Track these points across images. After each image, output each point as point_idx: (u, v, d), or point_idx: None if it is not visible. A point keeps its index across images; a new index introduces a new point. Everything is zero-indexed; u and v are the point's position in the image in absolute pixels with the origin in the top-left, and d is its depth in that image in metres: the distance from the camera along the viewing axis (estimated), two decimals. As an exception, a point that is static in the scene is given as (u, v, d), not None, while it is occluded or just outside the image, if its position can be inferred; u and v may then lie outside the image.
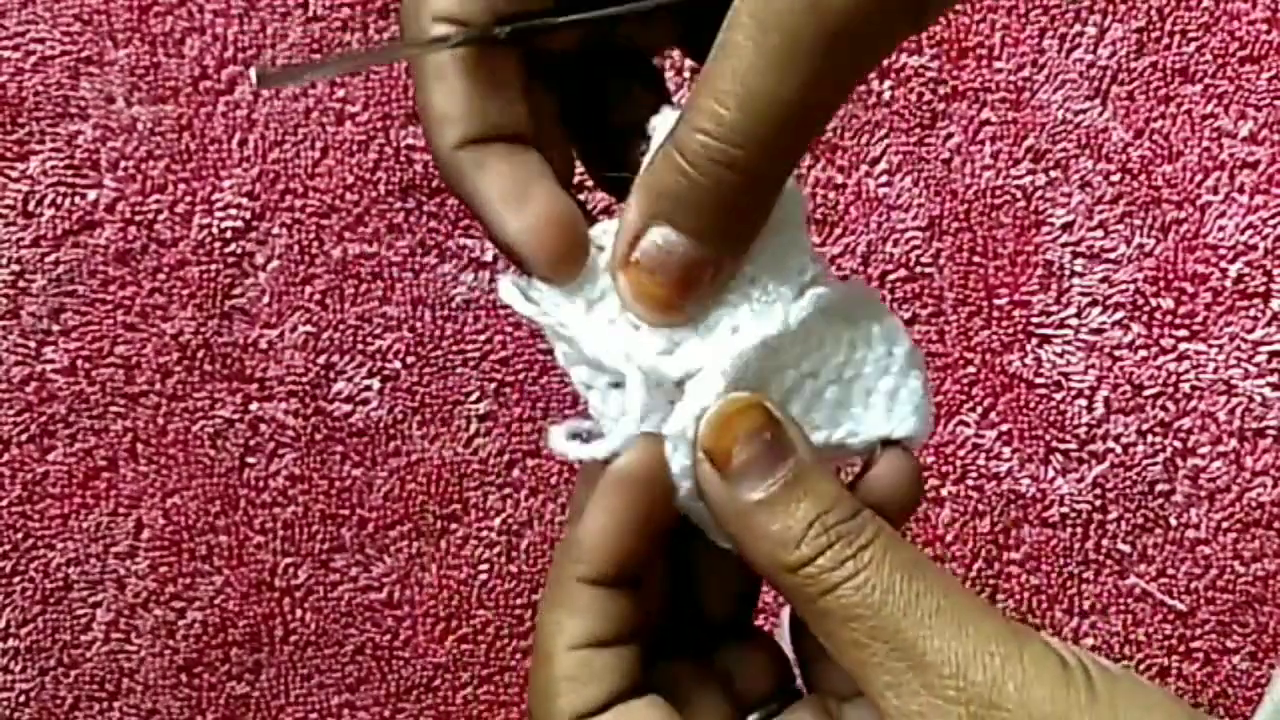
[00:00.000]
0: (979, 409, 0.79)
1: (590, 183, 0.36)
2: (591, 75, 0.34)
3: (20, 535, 0.79)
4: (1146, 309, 0.79)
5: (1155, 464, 0.79)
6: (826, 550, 0.30)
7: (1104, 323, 0.79)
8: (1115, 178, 0.80)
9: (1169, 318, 0.79)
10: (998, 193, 0.80)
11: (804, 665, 0.36)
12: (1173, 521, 0.79)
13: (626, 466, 0.32)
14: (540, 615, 0.32)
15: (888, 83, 0.80)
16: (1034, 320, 0.79)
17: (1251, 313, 0.79)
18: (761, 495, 0.30)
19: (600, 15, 0.32)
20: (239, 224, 0.80)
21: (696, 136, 0.29)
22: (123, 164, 0.80)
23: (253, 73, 0.30)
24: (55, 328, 0.80)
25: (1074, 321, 0.79)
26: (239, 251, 0.80)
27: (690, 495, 0.32)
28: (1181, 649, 0.79)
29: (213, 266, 0.80)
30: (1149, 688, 0.29)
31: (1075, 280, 0.80)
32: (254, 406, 0.79)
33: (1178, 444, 0.79)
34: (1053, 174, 0.80)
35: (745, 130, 0.29)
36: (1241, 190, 0.80)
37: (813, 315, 0.33)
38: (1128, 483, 0.79)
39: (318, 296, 0.80)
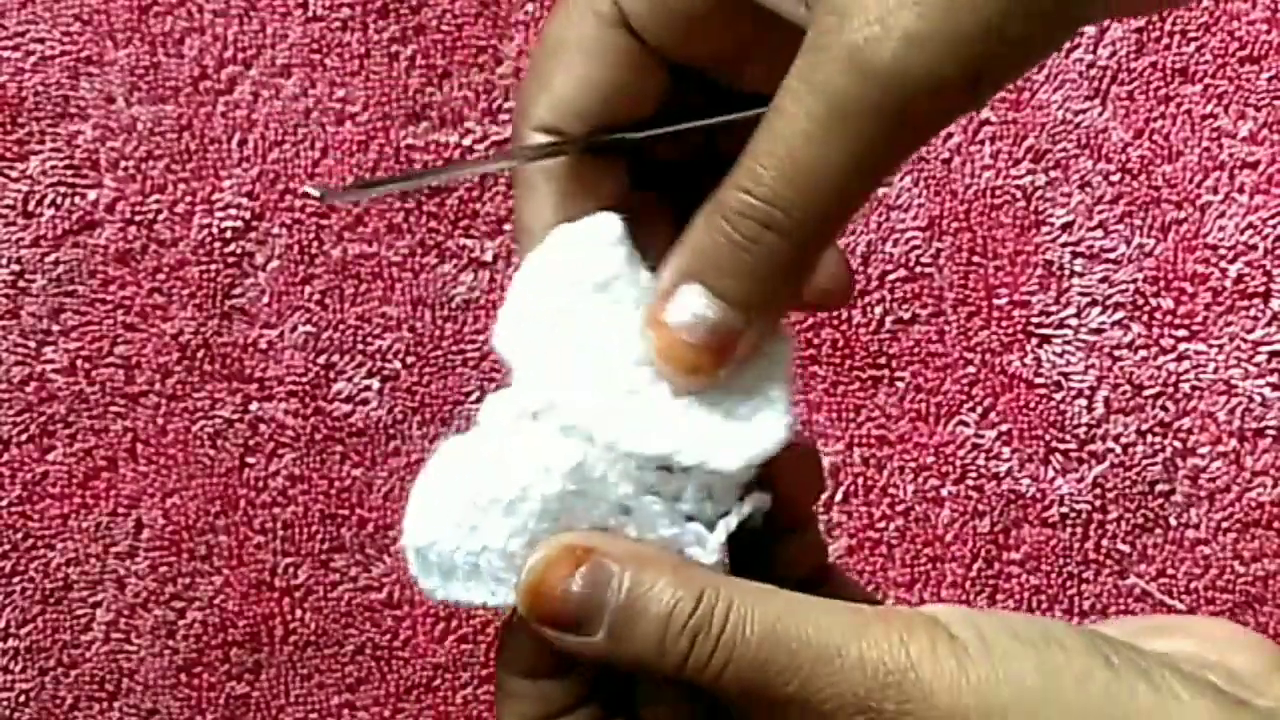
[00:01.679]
0: (979, 409, 0.79)
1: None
2: (702, 183, 0.34)
3: (20, 535, 0.79)
4: (1146, 309, 0.79)
5: (1155, 464, 0.79)
6: (691, 651, 0.30)
7: (1104, 323, 0.79)
8: (1115, 178, 0.80)
9: (1169, 318, 0.79)
10: (997, 193, 0.80)
11: None
12: (1173, 521, 0.79)
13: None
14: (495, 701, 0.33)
15: (888, 83, 0.80)
16: (1034, 320, 0.79)
17: (1251, 313, 0.79)
18: (604, 632, 0.30)
19: (695, 126, 0.32)
20: (239, 224, 0.80)
21: (737, 194, 0.29)
22: (123, 164, 0.80)
23: (313, 190, 0.30)
24: (55, 328, 0.80)
25: (1074, 321, 0.79)
26: (239, 251, 0.80)
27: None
28: (1181, 649, 0.79)
29: (213, 266, 0.80)
30: (1060, 640, 0.29)
31: (1075, 280, 0.80)
32: (254, 406, 0.79)
33: (1178, 444, 0.79)
34: (1053, 174, 0.80)
35: (787, 193, 0.28)
36: (1241, 190, 0.80)
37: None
38: (1128, 483, 0.79)
39: (318, 296, 0.80)
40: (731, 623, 0.29)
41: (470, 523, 0.32)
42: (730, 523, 0.32)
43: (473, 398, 0.79)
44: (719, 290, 0.30)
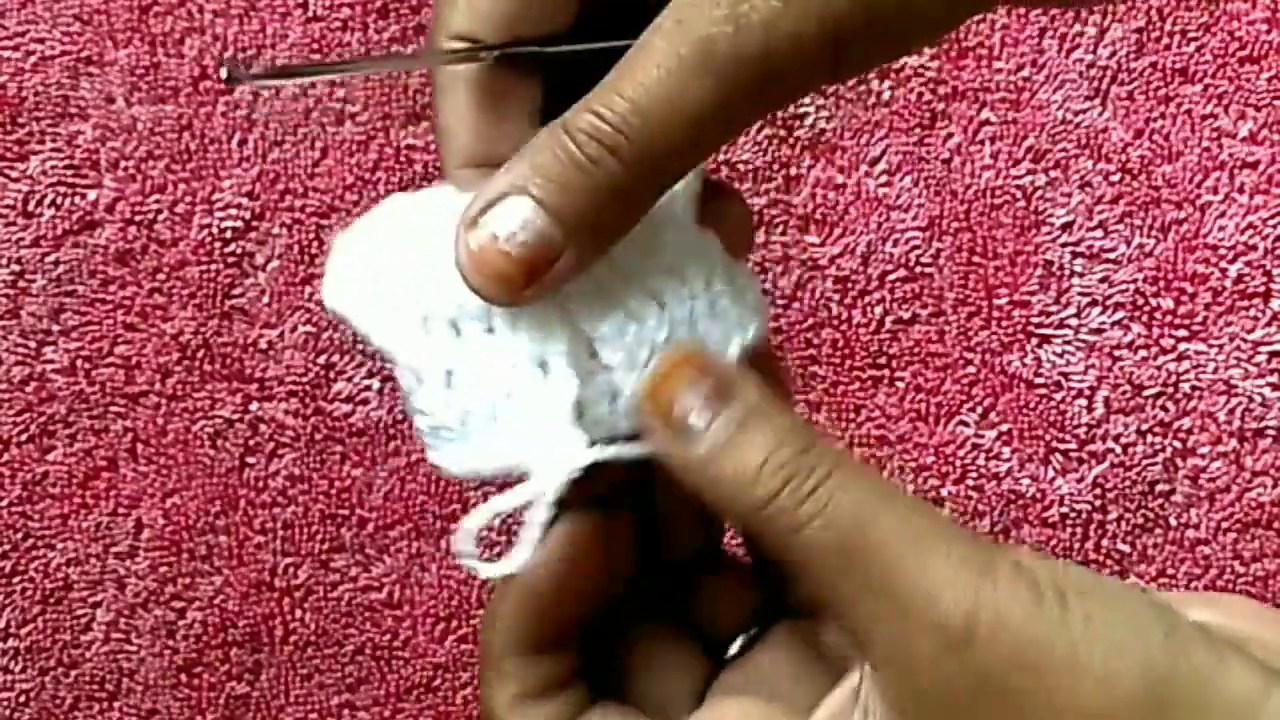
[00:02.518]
0: (979, 409, 0.79)
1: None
2: None
3: (20, 535, 0.79)
4: (1146, 309, 0.79)
5: (1155, 464, 0.79)
6: (784, 488, 0.29)
7: (1104, 323, 0.79)
8: (1115, 178, 0.80)
9: (1169, 318, 0.79)
10: (997, 193, 0.80)
11: (774, 586, 0.36)
12: (1173, 521, 0.79)
13: (529, 580, 0.33)
14: (480, 674, 0.33)
15: (887, 83, 0.80)
16: (1034, 320, 0.79)
17: (1251, 313, 0.79)
18: (709, 445, 0.30)
19: (603, 46, 0.32)
20: (239, 224, 0.80)
21: (587, 116, 0.29)
22: (123, 164, 0.80)
23: (224, 70, 0.30)
24: (55, 328, 0.80)
25: (1074, 321, 0.79)
26: (239, 251, 0.80)
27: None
28: (1181, 649, 0.79)
29: (213, 266, 0.80)
30: (1123, 597, 0.29)
31: (1075, 280, 0.80)
32: (254, 406, 0.79)
33: (1178, 444, 0.79)
34: (1053, 174, 0.80)
35: (636, 122, 0.29)
36: (1241, 190, 0.80)
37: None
38: (1128, 483, 0.79)
39: (318, 296, 0.80)
40: (834, 478, 0.29)
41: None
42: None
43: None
44: (548, 204, 0.30)
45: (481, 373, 0.32)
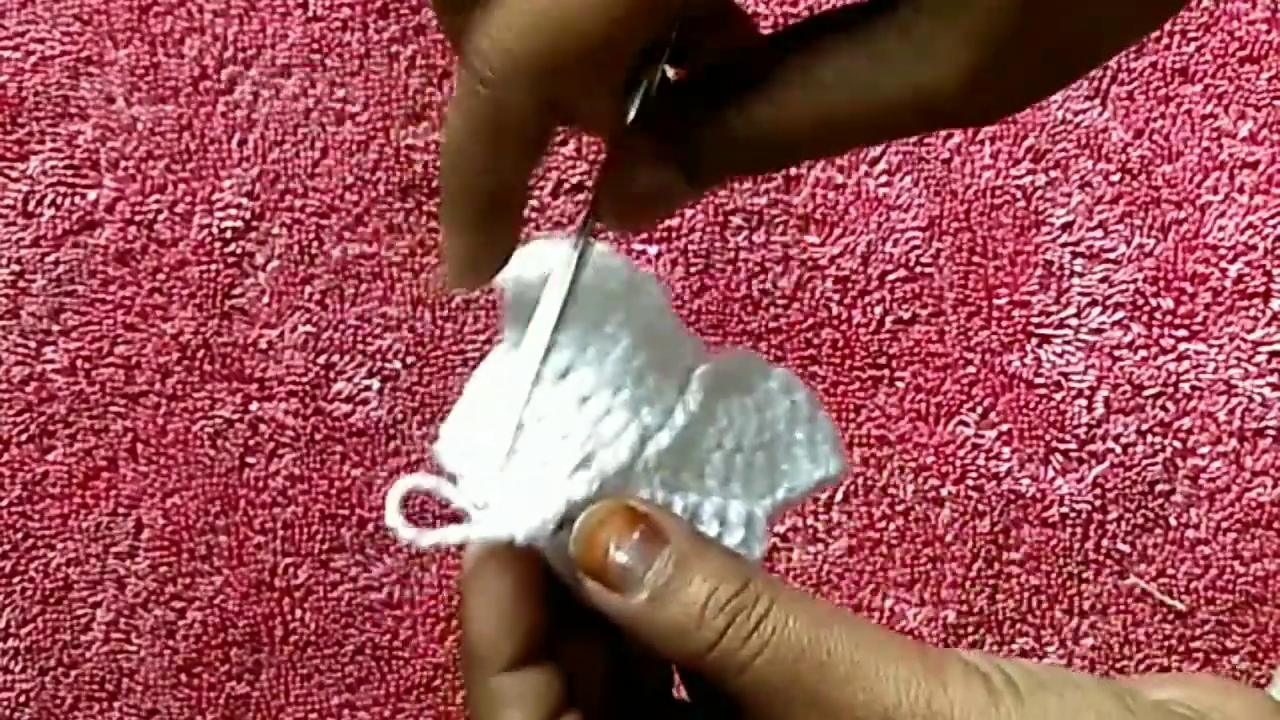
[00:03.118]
0: (979, 409, 0.79)
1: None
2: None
3: (20, 535, 0.79)
4: (1146, 309, 0.79)
5: (1155, 464, 0.79)
6: (727, 629, 0.30)
7: (1104, 323, 0.79)
8: (1115, 178, 0.80)
9: (1169, 318, 0.79)
10: (997, 193, 0.80)
11: None
12: (1173, 521, 0.79)
13: (476, 556, 0.33)
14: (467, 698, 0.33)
15: (888, 83, 0.80)
16: (1034, 320, 0.79)
17: (1251, 313, 0.79)
18: (647, 594, 0.30)
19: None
20: (239, 224, 0.80)
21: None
22: (123, 164, 0.80)
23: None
24: (55, 328, 0.80)
25: (1074, 321, 0.79)
26: (239, 251, 0.80)
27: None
28: (1181, 649, 0.79)
29: (213, 266, 0.80)
30: (1077, 683, 0.30)
31: (1075, 280, 0.80)
32: (254, 406, 0.79)
33: (1178, 444, 0.79)
34: (1053, 174, 0.80)
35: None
36: (1241, 190, 0.80)
37: (709, 395, 0.34)
38: (1128, 483, 0.79)
39: (318, 296, 0.80)
40: (775, 611, 0.30)
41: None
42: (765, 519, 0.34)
43: (473, 398, 0.79)
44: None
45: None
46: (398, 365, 0.79)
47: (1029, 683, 0.29)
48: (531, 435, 0.33)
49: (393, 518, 0.34)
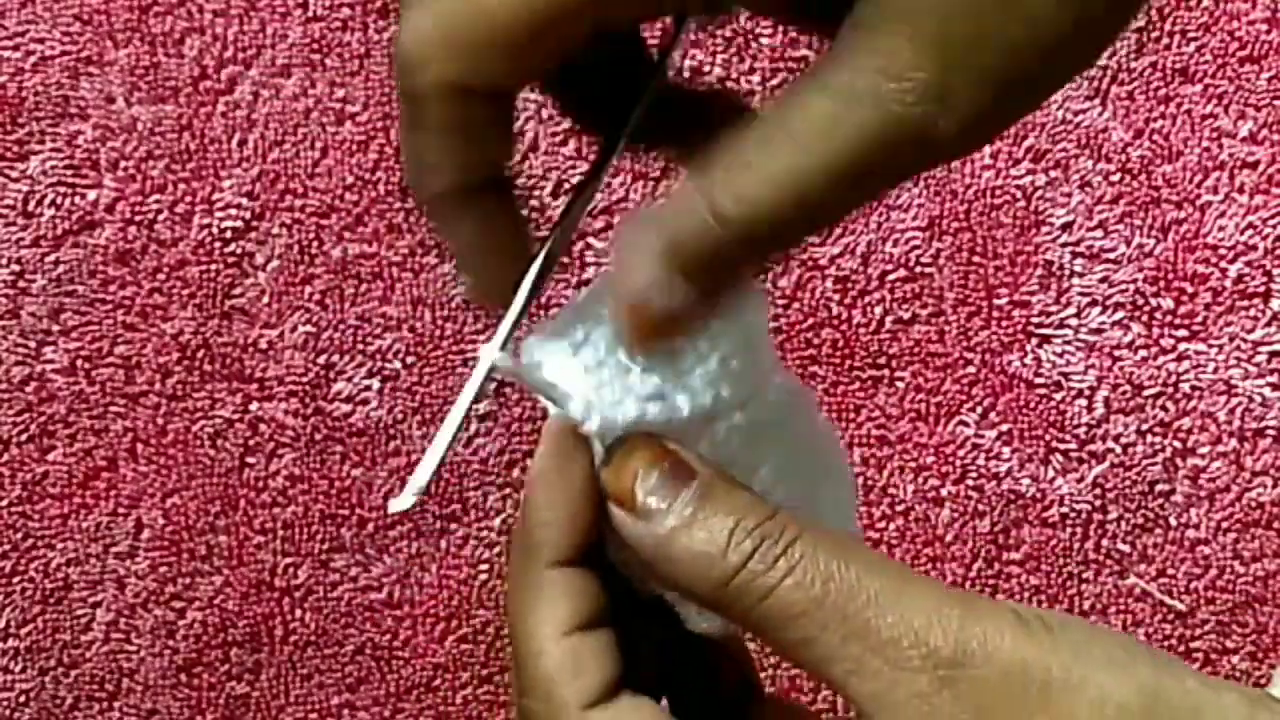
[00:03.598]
0: (979, 409, 0.79)
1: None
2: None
3: (20, 535, 0.79)
4: (1146, 309, 0.79)
5: (1155, 464, 0.79)
6: (754, 554, 0.30)
7: (1104, 323, 0.79)
8: (1115, 178, 0.80)
9: (1169, 318, 0.79)
10: (997, 193, 0.80)
11: None
12: (1173, 521, 0.79)
13: (556, 444, 0.32)
14: (514, 617, 0.33)
15: (888, 83, 0.80)
16: (1034, 320, 0.80)
17: (1251, 313, 0.79)
18: (674, 521, 0.30)
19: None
20: (239, 224, 0.80)
21: (739, 211, 0.29)
22: (123, 164, 0.80)
23: (393, 505, 0.32)
24: (55, 328, 0.80)
25: (1074, 321, 0.79)
26: (239, 251, 0.80)
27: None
28: (1181, 649, 0.79)
29: (213, 266, 0.80)
30: (1104, 630, 0.30)
31: (1075, 280, 0.80)
32: (254, 406, 0.79)
33: (1178, 444, 0.79)
34: (1053, 174, 0.80)
35: (789, 219, 0.29)
36: (1241, 190, 0.80)
37: (780, 407, 0.34)
38: (1128, 483, 0.79)
39: (318, 296, 0.80)
40: (803, 538, 0.30)
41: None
42: None
43: (473, 398, 0.79)
44: (695, 282, 0.30)
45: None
46: (398, 365, 0.79)
47: (1060, 621, 0.29)
48: (621, 359, 0.33)
49: (501, 359, 0.33)
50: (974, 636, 0.28)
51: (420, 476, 0.32)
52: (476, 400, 0.34)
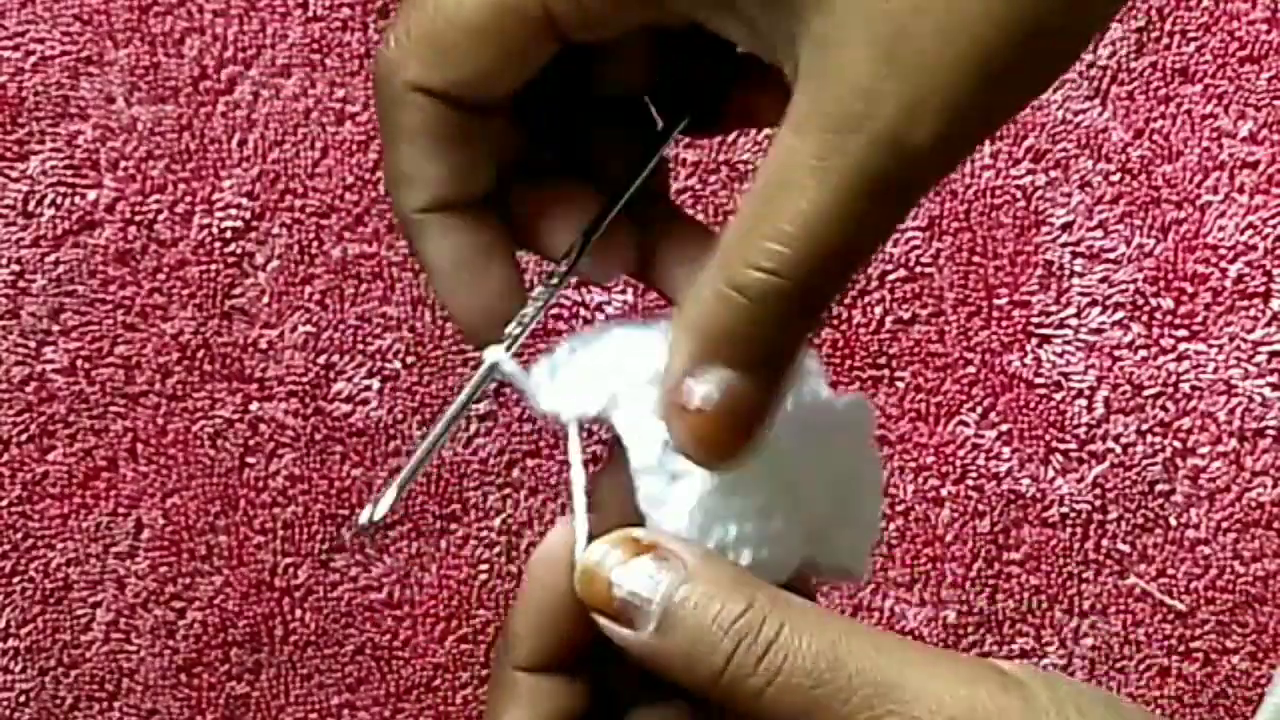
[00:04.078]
0: (979, 409, 0.79)
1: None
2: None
3: (20, 535, 0.79)
4: (1146, 309, 0.79)
5: (1155, 464, 0.79)
6: (734, 653, 0.29)
7: (1104, 323, 0.79)
8: (1115, 178, 0.80)
9: (1169, 318, 0.79)
10: (997, 193, 0.80)
11: None
12: (1173, 521, 0.79)
13: (546, 549, 0.32)
14: (488, 705, 0.32)
15: (888, 83, 0.80)
16: (1034, 320, 0.79)
17: (1251, 313, 0.79)
18: (653, 625, 0.30)
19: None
20: (239, 224, 0.80)
21: (757, 275, 0.28)
22: (123, 164, 0.80)
23: (346, 535, 0.32)
24: (55, 328, 0.80)
25: (1074, 321, 0.79)
26: (239, 251, 0.80)
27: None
28: (1181, 649, 0.79)
29: (213, 266, 0.80)
30: (1113, 701, 0.29)
31: (1075, 280, 0.80)
32: (254, 406, 0.79)
33: (1178, 444, 0.79)
34: (1053, 174, 0.80)
35: (809, 270, 0.28)
36: (1241, 190, 0.80)
37: (817, 422, 0.33)
38: (1128, 483, 0.79)
39: (318, 296, 0.80)
40: (785, 633, 0.29)
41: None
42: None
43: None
44: (742, 366, 0.29)
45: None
46: (398, 365, 0.79)
47: (1068, 689, 0.29)
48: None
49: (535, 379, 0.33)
50: (979, 703, 0.28)
51: (388, 496, 0.32)
52: (474, 402, 0.34)
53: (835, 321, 0.80)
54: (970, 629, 0.79)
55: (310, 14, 0.81)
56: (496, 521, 0.79)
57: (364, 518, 0.33)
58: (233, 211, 0.80)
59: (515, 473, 0.79)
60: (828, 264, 0.28)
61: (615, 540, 0.31)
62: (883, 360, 0.80)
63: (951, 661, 0.29)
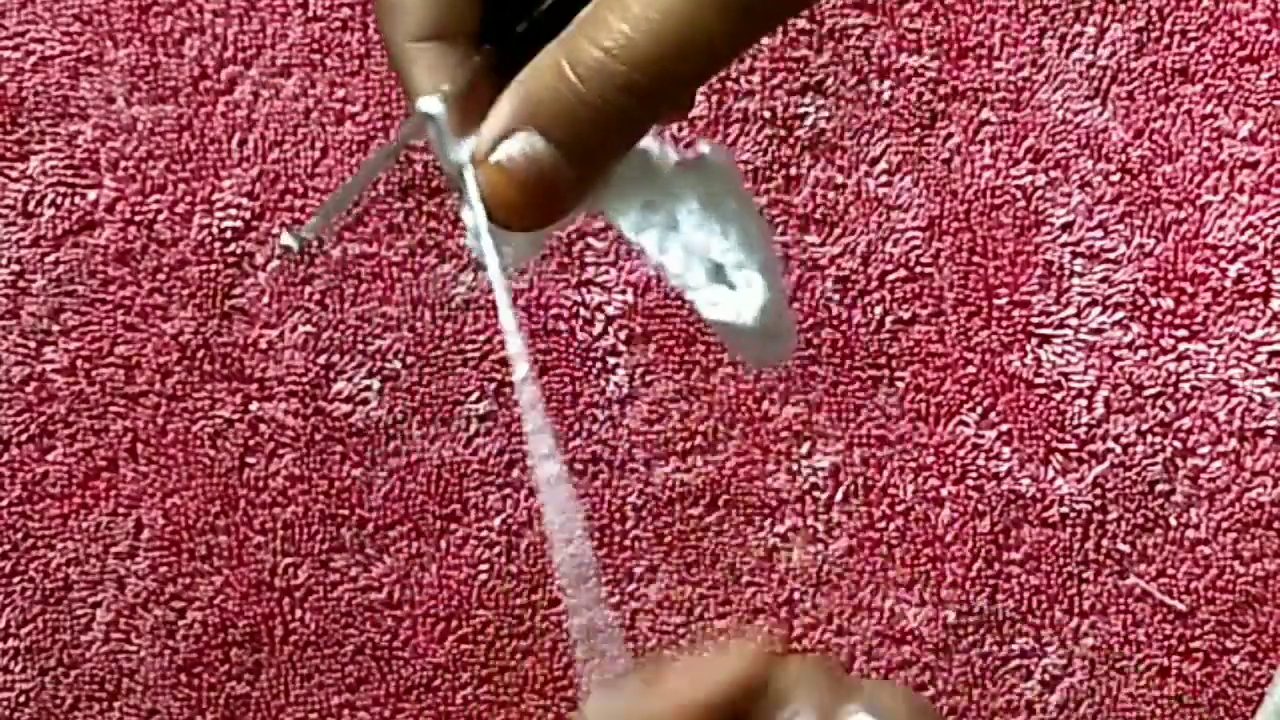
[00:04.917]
0: (979, 409, 0.79)
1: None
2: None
3: (20, 535, 0.79)
4: (1146, 309, 0.79)
5: (1155, 464, 0.79)
6: None
7: (1104, 323, 0.79)
8: (1115, 178, 0.80)
9: (1169, 318, 0.79)
10: (998, 193, 0.80)
11: None
12: (1173, 521, 0.79)
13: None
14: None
15: (887, 82, 0.80)
16: (1034, 320, 0.79)
17: (1251, 313, 0.79)
18: None
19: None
20: (239, 224, 0.80)
21: (595, 53, 0.28)
22: (123, 164, 0.80)
23: (290, 242, 0.31)
24: (55, 328, 0.80)
25: (1074, 321, 0.79)
26: (239, 251, 0.80)
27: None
28: (1181, 649, 0.79)
29: (213, 266, 0.80)
30: None
31: (1075, 280, 0.80)
32: (254, 406, 0.79)
33: (1178, 444, 0.79)
34: (1053, 174, 0.80)
35: (650, 59, 0.28)
36: (1241, 190, 0.80)
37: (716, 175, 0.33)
38: (1128, 483, 0.79)
39: (318, 296, 0.80)
40: None
41: None
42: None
43: (472, 398, 0.79)
44: (558, 140, 0.29)
45: None
46: (398, 365, 0.79)
47: None
48: None
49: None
50: None
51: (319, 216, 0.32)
52: (391, 157, 0.33)
53: (835, 321, 0.80)
54: (970, 629, 0.79)
55: (310, 14, 0.81)
56: (496, 521, 0.79)
57: (285, 239, 0.32)
58: (233, 211, 0.80)
59: (515, 473, 0.79)
60: (665, 65, 0.28)
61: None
62: (883, 360, 0.80)
63: None
